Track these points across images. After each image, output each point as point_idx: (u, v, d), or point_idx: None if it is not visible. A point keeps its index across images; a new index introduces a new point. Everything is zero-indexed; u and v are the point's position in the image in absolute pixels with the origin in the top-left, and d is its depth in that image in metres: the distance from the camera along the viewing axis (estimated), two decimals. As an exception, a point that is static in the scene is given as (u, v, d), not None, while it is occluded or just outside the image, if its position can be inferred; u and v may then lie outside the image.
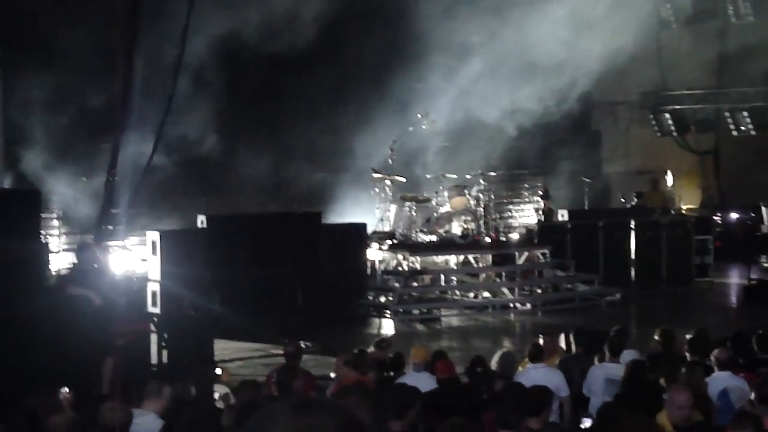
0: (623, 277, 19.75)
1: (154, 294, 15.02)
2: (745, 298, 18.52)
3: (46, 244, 15.00)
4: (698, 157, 27.09)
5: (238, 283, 16.27)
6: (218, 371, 10.64)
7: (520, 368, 10.02)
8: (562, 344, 11.25)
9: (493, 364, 9.95)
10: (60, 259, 17.39)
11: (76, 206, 19.29)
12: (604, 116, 27.12)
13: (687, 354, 10.00)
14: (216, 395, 9.23)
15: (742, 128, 25.62)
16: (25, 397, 8.07)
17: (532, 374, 9.23)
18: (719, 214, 24.45)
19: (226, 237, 16.68)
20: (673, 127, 26.56)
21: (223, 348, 13.35)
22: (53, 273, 15.35)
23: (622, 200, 24.18)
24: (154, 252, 15.49)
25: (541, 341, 10.71)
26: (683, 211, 24.35)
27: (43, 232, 15.62)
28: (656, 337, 10.53)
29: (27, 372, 10.06)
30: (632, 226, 20.30)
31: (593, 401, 9.24)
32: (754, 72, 24.67)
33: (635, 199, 23.49)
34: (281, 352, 12.88)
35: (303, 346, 11.45)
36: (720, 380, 8.82)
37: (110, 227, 17.86)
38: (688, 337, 10.33)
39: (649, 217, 21.44)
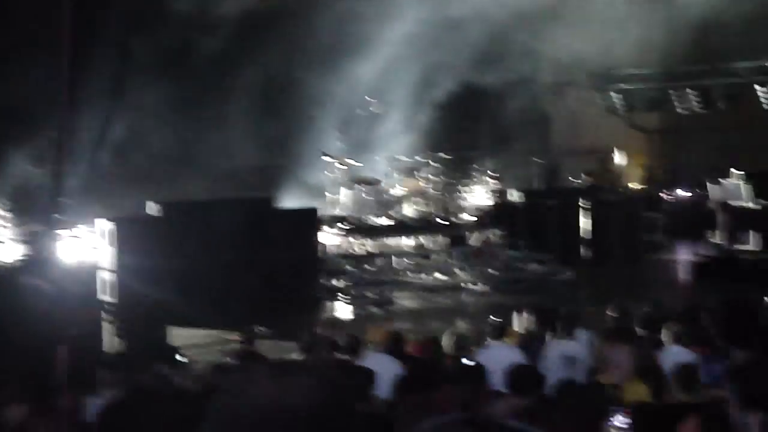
0: (575, 256, 19.91)
1: (106, 282, 14.92)
2: (694, 273, 18.75)
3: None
4: (645, 136, 27.34)
5: (191, 270, 16.18)
6: (180, 358, 10.59)
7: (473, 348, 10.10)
8: (516, 323, 11.36)
9: (445, 344, 10.03)
10: (10, 250, 17.16)
11: (24, 195, 19.04)
12: (551, 96, 27.23)
13: (638, 329, 10.12)
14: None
15: (689, 106, 25.88)
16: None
17: (494, 352, 9.31)
18: (666, 192, 24.71)
19: (179, 224, 16.57)
20: (620, 106, 26.79)
21: (177, 335, 13.28)
22: (3, 263, 15.18)
23: (571, 179, 24.34)
24: (107, 240, 15.36)
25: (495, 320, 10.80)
26: (631, 189, 24.56)
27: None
28: (610, 312, 10.66)
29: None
30: (582, 204, 20.46)
31: (550, 378, 9.32)
32: (702, 50, 24.87)
33: (584, 178, 23.67)
34: (236, 338, 12.89)
35: (258, 331, 11.44)
36: (672, 355, 8.92)
37: (59, 216, 17.65)
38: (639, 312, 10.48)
39: (598, 195, 21.62)
